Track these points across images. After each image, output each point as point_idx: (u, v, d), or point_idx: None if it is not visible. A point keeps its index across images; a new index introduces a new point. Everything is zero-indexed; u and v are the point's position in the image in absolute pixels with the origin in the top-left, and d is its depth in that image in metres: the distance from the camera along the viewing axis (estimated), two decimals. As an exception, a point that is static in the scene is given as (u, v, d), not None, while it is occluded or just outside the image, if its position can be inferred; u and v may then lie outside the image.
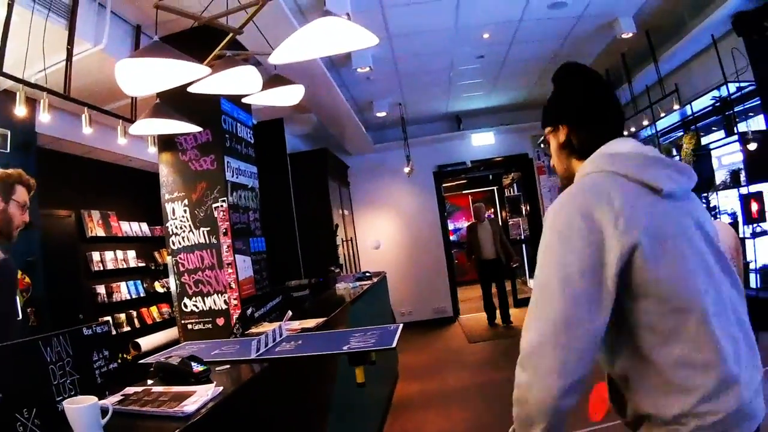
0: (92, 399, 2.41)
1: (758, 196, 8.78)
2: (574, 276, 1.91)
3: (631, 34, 9.58)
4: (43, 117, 5.29)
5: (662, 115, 11.21)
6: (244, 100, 5.15)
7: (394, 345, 3.86)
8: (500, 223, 16.56)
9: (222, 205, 6.04)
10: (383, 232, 15.79)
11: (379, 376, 7.74)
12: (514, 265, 14.94)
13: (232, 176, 6.30)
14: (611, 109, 2.32)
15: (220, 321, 5.99)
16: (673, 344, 1.91)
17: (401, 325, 4.34)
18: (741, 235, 9.10)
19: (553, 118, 2.44)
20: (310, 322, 5.20)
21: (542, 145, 2.56)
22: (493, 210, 23.79)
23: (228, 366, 3.77)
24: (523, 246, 18.44)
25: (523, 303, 15.89)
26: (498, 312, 14.17)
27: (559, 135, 2.39)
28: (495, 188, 23.46)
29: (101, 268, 9.43)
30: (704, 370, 1.88)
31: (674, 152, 11.61)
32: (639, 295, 1.94)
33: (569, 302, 1.90)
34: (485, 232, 14.26)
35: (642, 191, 1.99)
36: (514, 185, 19.62)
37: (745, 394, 1.89)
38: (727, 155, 10.31)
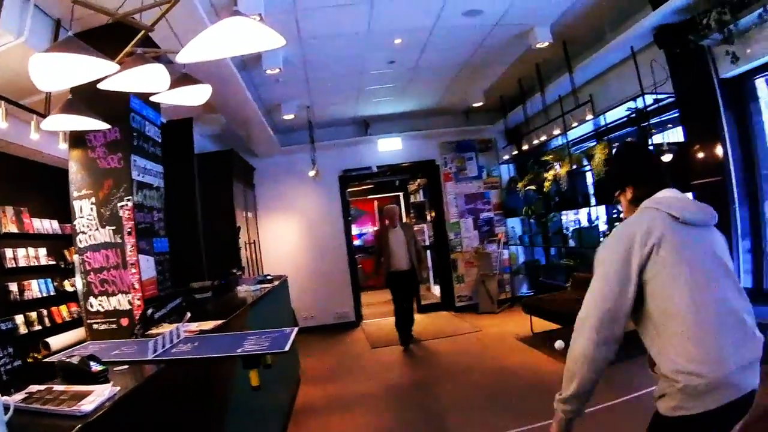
0: (-6, 395, 2.39)
1: None
2: (609, 273, 3.04)
3: (546, 44, 9.72)
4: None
5: (574, 124, 11.37)
6: (152, 98, 5.25)
7: (287, 349, 3.96)
8: (414, 228, 13.98)
9: (127, 204, 6.00)
10: (287, 236, 15.83)
11: (280, 379, 7.80)
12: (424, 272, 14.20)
13: (138, 175, 6.26)
14: (658, 169, 3.47)
15: (125, 321, 5.94)
16: (670, 319, 2.91)
17: (296, 329, 4.48)
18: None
19: (619, 184, 3.53)
20: (209, 324, 5.23)
21: (618, 206, 3.77)
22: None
23: (126, 366, 3.79)
24: (428, 252, 18.47)
25: (427, 309, 16.30)
26: (399, 333, 12.52)
27: (626, 194, 3.47)
28: (401, 194, 23.64)
29: (14, 265, 9.24)
30: (691, 343, 2.82)
31: (584, 162, 11.79)
32: (649, 282, 2.99)
33: (605, 288, 3.03)
34: (398, 239, 12.54)
35: (667, 217, 3.05)
36: (420, 191, 19.88)
37: (731, 367, 2.76)
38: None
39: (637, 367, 8.09)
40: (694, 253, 3.01)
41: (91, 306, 6.02)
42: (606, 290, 3.03)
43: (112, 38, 4.80)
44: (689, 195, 3.35)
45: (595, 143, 11.63)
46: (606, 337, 2.98)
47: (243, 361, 3.97)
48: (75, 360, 3.36)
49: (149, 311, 5.35)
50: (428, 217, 18.25)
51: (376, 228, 24.07)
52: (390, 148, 16.02)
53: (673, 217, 3.05)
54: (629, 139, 4.21)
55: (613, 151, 10.51)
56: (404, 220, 17.84)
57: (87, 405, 2.71)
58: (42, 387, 3.06)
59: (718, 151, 7.97)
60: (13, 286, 9.06)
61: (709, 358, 2.78)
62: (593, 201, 11.99)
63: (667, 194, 3.24)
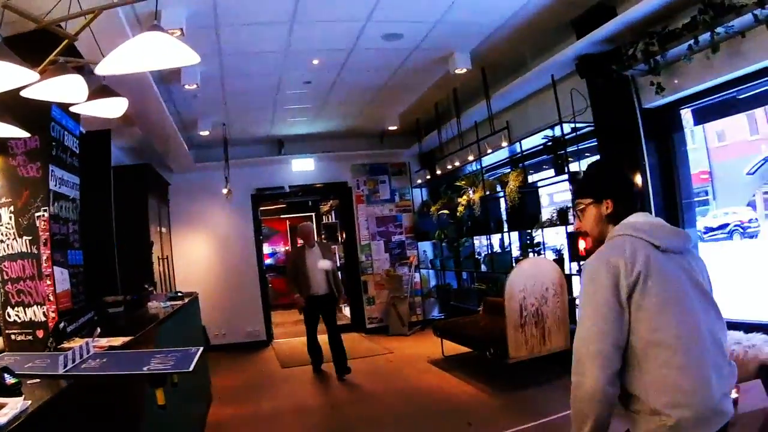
0: None
1: (586, 235, 9.00)
2: (601, 305, 2.90)
3: (465, 70, 9.84)
4: None
5: (489, 151, 11.56)
6: (71, 109, 5.16)
7: (191, 369, 3.99)
8: (333, 248, 13.84)
9: (44, 215, 5.89)
10: (200, 252, 15.76)
11: (190, 398, 7.75)
12: (343, 304, 13.86)
13: (56, 186, 6.17)
14: (633, 193, 3.48)
15: (40, 333, 5.81)
16: (658, 351, 2.79)
17: (201, 349, 4.46)
18: (567, 272, 9.51)
19: (599, 194, 3.36)
20: (118, 340, 5.21)
21: (578, 212, 3.53)
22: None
23: (38, 380, 3.75)
24: (339, 273, 18.32)
25: (341, 329, 15.94)
26: (333, 362, 11.41)
27: (602, 207, 3.33)
28: (313, 214, 23.85)
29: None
30: (681, 374, 2.74)
31: (498, 188, 11.93)
32: (634, 313, 2.86)
33: (600, 321, 2.88)
34: (314, 261, 11.49)
35: (647, 246, 2.97)
36: (333, 212, 20.16)
37: (717, 396, 2.74)
38: (559, 192, 10.61)
39: (550, 392, 8.22)
40: (678, 281, 2.95)
41: (9, 316, 5.90)
42: (603, 324, 2.89)
43: (40, 45, 4.72)
44: (659, 218, 3.34)
45: (509, 170, 11.87)
46: (614, 372, 2.82)
47: (149, 380, 3.97)
48: (-11, 372, 3.30)
49: (62, 324, 5.31)
50: (339, 239, 18.51)
51: (287, 248, 24.36)
52: (303, 168, 16.13)
53: (654, 245, 3.00)
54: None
55: (587, 164, 10.65)
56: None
57: (1, 418, 2.69)
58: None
59: (638, 180, 8.11)
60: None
61: (698, 388, 2.75)
62: (506, 227, 12.19)
63: (641, 219, 3.21)
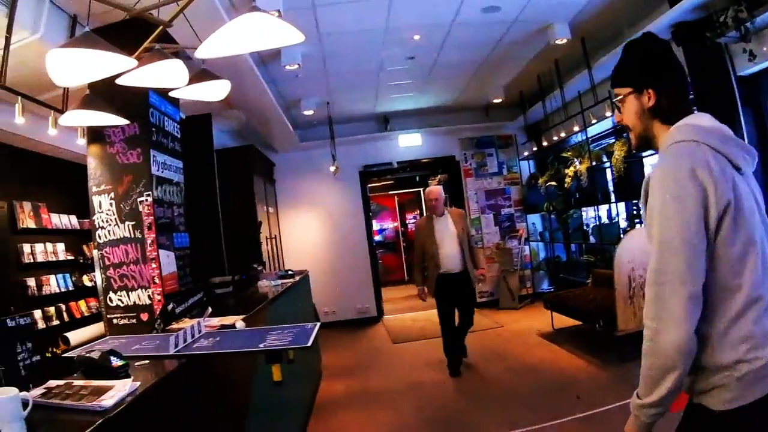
0: (13, 391, 2.40)
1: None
2: (693, 233, 2.34)
3: (565, 41, 9.67)
4: (-22, 106, 5.25)
5: (594, 121, 11.40)
6: (170, 94, 5.16)
7: (309, 344, 3.89)
8: (468, 218, 11.69)
9: (147, 200, 5.99)
10: (308, 231, 15.81)
11: (301, 375, 7.79)
12: (480, 282, 11.26)
13: (158, 170, 6.26)
14: (687, 84, 2.80)
15: (144, 316, 5.92)
16: (731, 301, 2.37)
17: (318, 324, 4.38)
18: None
19: (640, 81, 2.75)
20: (230, 319, 5.20)
21: (617, 104, 2.93)
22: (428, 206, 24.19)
23: (147, 361, 3.76)
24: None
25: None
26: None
27: (643, 98, 2.73)
28: (421, 189, 23.23)
29: (32, 261, 9.28)
30: (755, 323, 2.35)
31: (604, 159, 11.80)
32: (722, 240, 2.37)
33: (690, 258, 2.34)
34: (446, 232, 9.66)
35: (728, 164, 2.42)
36: (441, 187, 19.42)
37: None
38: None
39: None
40: (752, 212, 2.45)
41: (111, 301, 6.01)
42: (693, 258, 2.35)
43: (129, 34, 4.77)
44: (726, 127, 2.64)
45: (614, 140, 11.61)
46: (696, 321, 2.35)
47: (266, 356, 3.93)
48: (95, 355, 3.35)
49: (170, 306, 5.36)
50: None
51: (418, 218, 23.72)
52: (410, 143, 15.98)
53: (732, 163, 2.45)
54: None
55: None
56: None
57: (107, 400, 2.68)
58: (61, 382, 3.03)
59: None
60: (31, 281, 9.13)
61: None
62: (613, 198, 11.97)
63: (708, 121, 2.63)
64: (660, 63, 2.73)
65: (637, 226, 10.57)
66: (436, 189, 10.01)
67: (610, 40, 10.13)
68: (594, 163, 11.97)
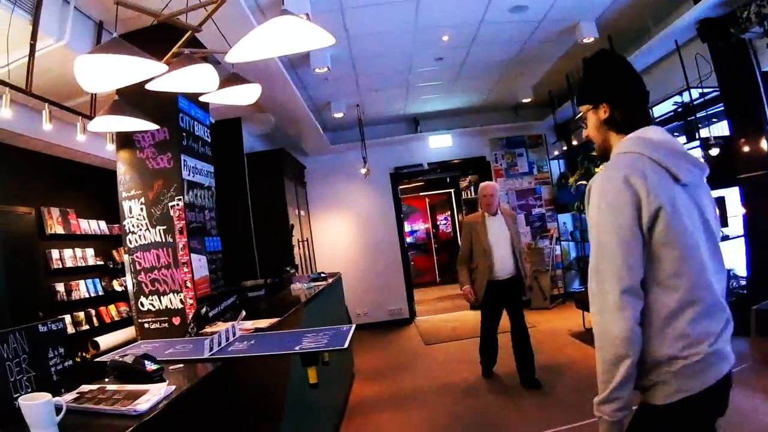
0: (46, 396, 2.41)
1: (720, 202, 8.78)
2: (627, 234, 2.57)
3: (592, 39, 9.60)
4: (5, 112, 5.31)
5: (622, 119, 11.16)
6: (201, 99, 5.23)
7: (346, 346, 3.88)
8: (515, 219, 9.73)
9: (178, 204, 6.03)
10: (340, 233, 15.80)
11: (334, 377, 7.77)
12: (529, 288, 9.57)
13: (189, 175, 6.30)
14: (643, 94, 2.98)
15: (176, 320, 5.99)
16: (675, 284, 2.59)
17: (354, 326, 4.36)
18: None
19: (594, 97, 3.04)
20: (264, 322, 5.20)
21: (582, 121, 3.16)
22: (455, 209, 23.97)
23: (181, 365, 3.76)
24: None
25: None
26: (516, 366, 8.79)
27: (599, 112, 3.00)
28: (452, 191, 23.47)
29: (60, 266, 9.36)
30: (691, 322, 2.57)
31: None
32: (657, 243, 2.59)
33: (625, 257, 2.56)
34: (501, 234, 8.71)
35: (666, 175, 2.64)
36: (471, 188, 19.46)
37: (722, 342, 2.59)
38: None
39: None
40: (693, 223, 2.66)
41: (142, 305, 6.07)
42: (629, 257, 2.59)
43: (157, 40, 4.80)
44: (677, 140, 2.94)
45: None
46: (638, 313, 2.57)
47: (302, 359, 3.91)
48: (129, 359, 3.36)
49: (203, 309, 5.35)
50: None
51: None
52: (441, 144, 15.94)
53: (672, 175, 2.67)
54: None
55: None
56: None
57: (142, 404, 2.68)
58: (94, 387, 3.04)
59: (763, 144, 7.93)
60: (60, 287, 9.20)
61: (706, 335, 2.57)
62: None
63: (658, 135, 2.84)
64: (611, 78, 3.02)
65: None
66: (491, 184, 8.95)
67: (636, 38, 10.07)
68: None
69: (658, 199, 2.56)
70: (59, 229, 9.41)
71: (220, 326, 5.05)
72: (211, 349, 4.01)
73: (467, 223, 9.03)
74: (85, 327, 9.41)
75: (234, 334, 4.53)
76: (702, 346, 2.54)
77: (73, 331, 9.00)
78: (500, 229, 8.68)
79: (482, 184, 8.99)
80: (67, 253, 9.59)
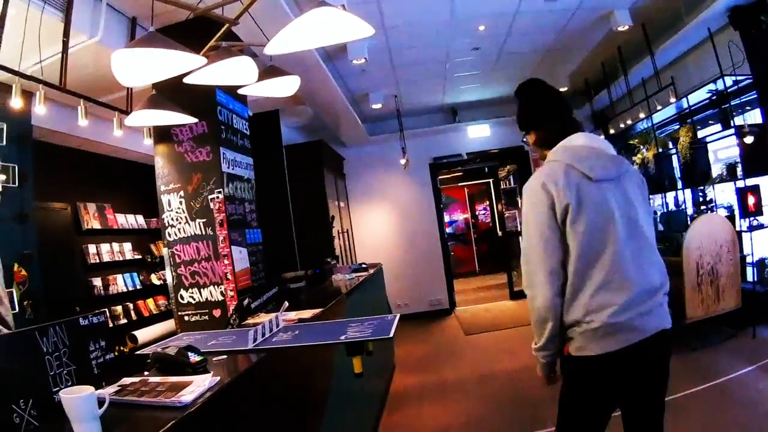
0: (89, 389, 2.39)
1: (755, 190, 8.69)
2: (544, 228, 3.26)
3: (627, 27, 9.50)
4: (39, 109, 5.34)
5: (658, 107, 11.15)
6: (239, 91, 5.17)
7: (391, 335, 3.89)
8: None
9: (218, 197, 6.05)
10: (379, 224, 15.78)
11: (375, 367, 7.77)
12: None
13: (228, 167, 6.32)
14: (564, 112, 3.63)
15: (217, 312, 6.00)
16: (581, 275, 3.23)
17: (398, 316, 4.36)
18: (738, 229, 9.07)
19: (524, 126, 3.78)
20: (307, 313, 5.20)
21: (526, 143, 3.86)
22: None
23: (225, 356, 3.76)
24: (520, 239, 17.93)
25: (519, 295, 15.53)
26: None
27: (531, 136, 3.73)
28: (491, 180, 23.17)
29: (97, 261, 9.43)
30: (597, 292, 3.19)
31: (670, 145, 11.60)
32: (567, 232, 3.23)
33: (544, 245, 3.26)
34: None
35: (579, 175, 3.26)
36: (510, 177, 19.32)
37: (627, 315, 3.15)
38: (722, 149, 10.31)
39: (722, 354, 7.99)
40: (605, 212, 3.25)
41: (182, 298, 6.11)
42: (545, 245, 3.27)
43: (191, 35, 4.73)
44: (601, 140, 3.67)
45: (678, 126, 11.46)
46: (558, 288, 3.26)
47: (347, 348, 3.92)
48: (171, 351, 3.36)
49: (246, 301, 5.41)
50: (519, 204, 17.38)
51: (465, 216, 23.90)
52: (479, 134, 15.89)
53: (586, 176, 3.27)
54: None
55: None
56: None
57: (187, 396, 2.67)
58: (135, 379, 3.05)
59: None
60: (97, 281, 9.29)
61: (606, 308, 3.16)
62: (680, 184, 11.72)
63: (579, 141, 3.46)
64: (529, 109, 3.77)
65: (704, 213, 10.34)
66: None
67: (670, 26, 9.93)
68: (660, 150, 11.81)
69: (566, 199, 3.20)
70: (96, 224, 9.48)
71: (263, 317, 5.13)
72: (255, 339, 4.02)
73: None
74: (123, 321, 9.49)
75: (278, 325, 4.55)
76: (601, 316, 3.16)
77: (111, 325, 9.02)
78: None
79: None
80: (104, 247, 9.67)
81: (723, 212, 9.99)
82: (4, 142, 6.38)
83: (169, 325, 8.45)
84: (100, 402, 2.40)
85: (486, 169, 21.52)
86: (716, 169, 10.32)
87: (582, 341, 3.24)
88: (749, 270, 9.11)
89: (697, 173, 10.62)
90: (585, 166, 3.28)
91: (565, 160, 3.34)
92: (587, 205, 3.21)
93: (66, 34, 5.29)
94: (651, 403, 3.44)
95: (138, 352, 4.03)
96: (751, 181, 8.86)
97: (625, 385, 3.32)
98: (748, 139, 8.49)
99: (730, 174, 9.44)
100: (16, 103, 5.13)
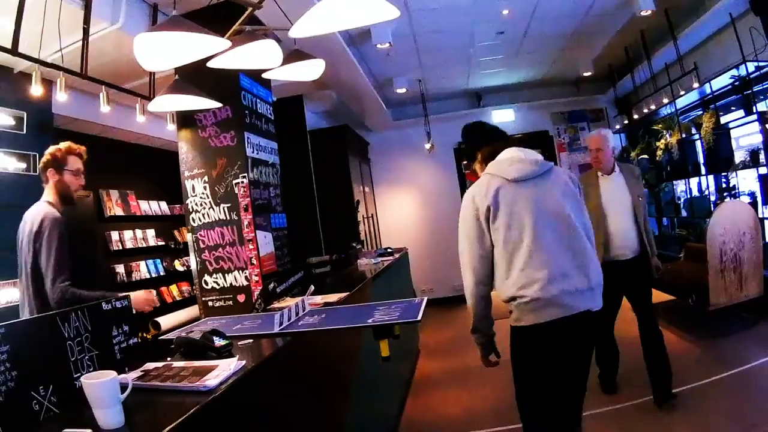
0: (111, 374, 2.37)
1: None
2: (470, 231, 3.96)
3: (650, 12, 9.41)
4: (60, 96, 5.37)
5: (681, 93, 11.12)
6: (264, 75, 5.16)
7: (419, 318, 3.95)
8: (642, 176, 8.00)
9: (242, 182, 6.09)
10: (404, 209, 15.84)
11: (400, 352, 7.78)
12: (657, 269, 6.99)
13: (253, 152, 6.33)
14: (496, 137, 4.43)
15: (241, 297, 6.04)
16: (507, 259, 3.85)
17: (426, 299, 4.44)
18: (760, 215, 9.05)
19: (470, 156, 4.56)
20: (333, 297, 5.22)
21: (474, 172, 4.51)
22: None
23: (251, 340, 3.76)
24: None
25: None
26: (649, 377, 6.55)
27: (476, 165, 4.44)
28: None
29: (120, 248, 9.49)
30: (522, 273, 3.76)
31: (693, 131, 11.60)
32: (492, 227, 3.88)
33: (469, 243, 3.96)
34: (619, 198, 6.59)
35: (501, 181, 3.93)
36: None
37: (552, 291, 3.68)
38: (744, 136, 10.28)
39: (745, 341, 7.90)
40: (522, 208, 3.86)
41: (206, 284, 6.15)
42: (470, 244, 3.97)
43: (214, 20, 4.68)
44: (528, 151, 4.25)
45: (701, 112, 11.40)
46: (480, 278, 3.95)
47: (374, 332, 3.93)
48: (196, 335, 3.36)
49: (271, 285, 5.41)
50: None
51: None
52: (504, 119, 15.77)
53: (506, 179, 3.93)
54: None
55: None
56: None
57: (211, 380, 2.65)
58: (159, 364, 3.04)
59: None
60: (120, 268, 9.35)
61: (533, 284, 3.72)
62: (703, 170, 11.67)
63: (506, 155, 4.12)
64: (471, 139, 4.60)
65: (727, 199, 10.37)
66: (597, 134, 6.89)
67: (692, 10, 9.90)
68: (684, 136, 11.75)
69: (487, 202, 3.86)
70: (118, 211, 9.53)
71: (289, 302, 5.16)
72: (281, 323, 4.04)
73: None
74: (146, 307, 9.44)
75: (304, 309, 4.58)
76: (530, 290, 3.70)
77: (134, 312, 9.01)
78: (619, 192, 6.58)
79: (588, 136, 7.32)
80: (127, 234, 9.72)
81: (746, 199, 9.96)
82: (24, 131, 6.42)
83: (192, 311, 8.46)
84: (123, 387, 2.38)
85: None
86: (739, 156, 10.24)
87: (518, 314, 3.82)
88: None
89: (720, 160, 10.60)
90: (504, 171, 3.97)
91: (490, 171, 4.06)
92: (504, 203, 3.86)
93: (87, 21, 5.30)
94: (574, 380, 4.10)
95: (162, 337, 4.08)
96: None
97: (556, 356, 3.86)
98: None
99: (753, 161, 9.42)
100: (36, 90, 5.17)
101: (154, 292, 5.21)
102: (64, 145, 5.03)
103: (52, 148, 5.04)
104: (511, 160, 4.03)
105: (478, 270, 3.93)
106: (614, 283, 5.54)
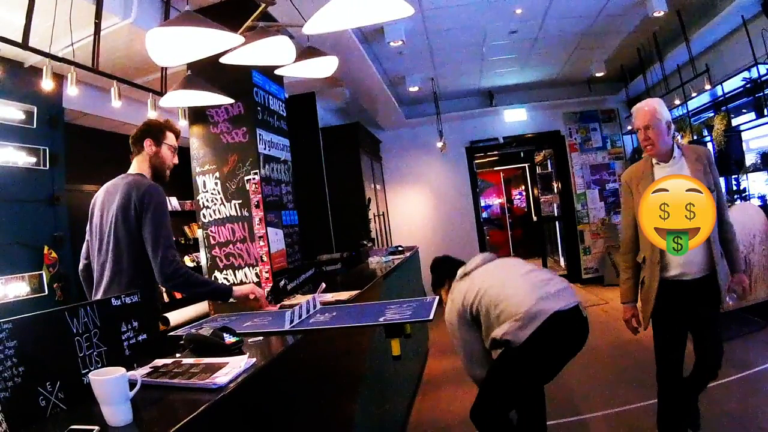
0: (120, 370, 2.34)
1: None
2: (460, 335, 4.79)
3: (662, 13, 9.38)
4: (71, 91, 5.35)
5: (693, 94, 11.13)
6: (277, 72, 5.15)
7: (431, 317, 3.86)
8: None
9: (254, 178, 6.08)
10: (415, 207, 15.81)
11: (411, 351, 7.81)
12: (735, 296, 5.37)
13: (265, 149, 6.33)
14: (457, 266, 5.12)
15: (252, 294, 5.97)
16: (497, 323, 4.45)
17: (437, 298, 4.45)
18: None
19: (439, 284, 5.30)
20: (344, 295, 5.20)
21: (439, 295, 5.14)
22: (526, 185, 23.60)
23: (261, 338, 3.72)
24: (557, 223, 18.12)
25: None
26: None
27: (443, 291, 5.21)
28: (527, 165, 22.98)
29: (129, 243, 9.34)
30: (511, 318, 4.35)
31: (705, 132, 11.58)
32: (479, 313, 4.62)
33: (462, 344, 4.82)
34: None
35: (466, 279, 4.84)
36: (546, 162, 19.29)
37: (535, 308, 4.31)
38: (755, 139, 10.31)
39: (753, 344, 7.90)
40: (493, 281, 4.70)
41: (216, 280, 6.12)
42: (463, 344, 4.82)
43: (227, 16, 4.74)
44: (475, 257, 5.12)
45: (713, 114, 11.40)
46: (474, 362, 4.87)
47: (386, 330, 3.89)
48: (206, 332, 3.33)
49: (282, 282, 5.42)
50: (555, 188, 17.80)
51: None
52: (516, 118, 15.84)
53: (467, 274, 4.91)
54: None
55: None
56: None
57: (222, 377, 2.61)
58: (169, 361, 3.02)
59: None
60: (129, 264, 9.16)
61: (520, 310, 4.36)
62: (715, 172, 11.67)
63: (462, 268, 5.03)
64: (441, 270, 5.39)
65: (738, 202, 10.26)
66: (645, 109, 4.82)
67: (704, 12, 9.87)
68: (695, 137, 11.72)
69: (467, 300, 4.65)
70: (128, 207, 9.39)
71: (299, 299, 5.14)
72: (291, 321, 4.00)
73: (625, 182, 5.12)
74: (155, 303, 9.42)
75: (315, 306, 4.55)
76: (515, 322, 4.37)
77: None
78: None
79: (635, 108, 5.00)
80: (137, 230, 9.58)
81: (756, 202, 9.92)
82: (35, 125, 6.43)
83: (201, 307, 8.45)
84: (132, 384, 2.35)
85: (522, 153, 21.55)
86: (750, 159, 10.26)
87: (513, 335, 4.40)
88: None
89: (731, 162, 10.55)
90: (464, 272, 4.94)
91: (457, 280, 4.96)
92: (477, 291, 4.64)
93: (98, 15, 5.29)
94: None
95: (171, 334, 4.02)
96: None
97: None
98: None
99: (764, 163, 9.42)
100: (47, 85, 5.14)
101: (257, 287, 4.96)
102: (164, 119, 4.88)
103: (151, 118, 5.07)
104: (465, 266, 5.08)
105: (473, 360, 4.97)
106: (678, 304, 4.77)
